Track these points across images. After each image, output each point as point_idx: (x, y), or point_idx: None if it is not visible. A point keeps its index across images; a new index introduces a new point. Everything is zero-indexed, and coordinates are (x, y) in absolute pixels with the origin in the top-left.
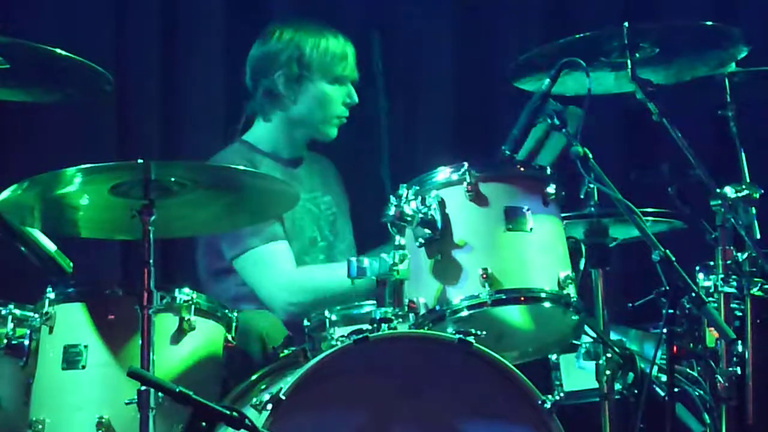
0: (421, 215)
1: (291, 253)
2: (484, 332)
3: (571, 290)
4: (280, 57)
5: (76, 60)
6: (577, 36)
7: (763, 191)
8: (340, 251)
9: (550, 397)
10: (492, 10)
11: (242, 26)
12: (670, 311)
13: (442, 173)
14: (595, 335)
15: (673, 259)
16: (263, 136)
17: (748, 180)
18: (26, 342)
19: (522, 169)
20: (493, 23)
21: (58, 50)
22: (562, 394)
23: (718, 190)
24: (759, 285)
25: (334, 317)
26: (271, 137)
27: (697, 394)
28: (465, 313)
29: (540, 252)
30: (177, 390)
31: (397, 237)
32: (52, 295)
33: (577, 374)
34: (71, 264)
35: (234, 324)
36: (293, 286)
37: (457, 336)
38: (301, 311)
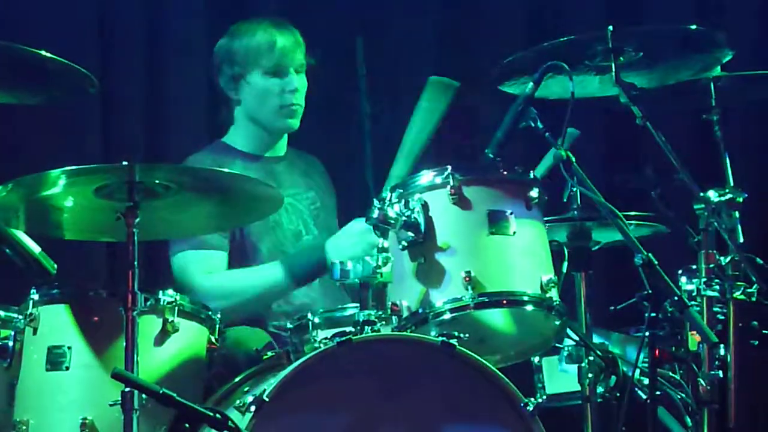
0: (404, 218)
1: (218, 260)
2: (467, 335)
3: (553, 294)
4: (217, 61)
5: (60, 62)
6: (561, 39)
7: (746, 195)
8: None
9: (532, 399)
10: (475, 13)
11: (226, 28)
12: (653, 314)
13: (426, 177)
14: (577, 338)
15: (656, 262)
16: (236, 136)
17: (731, 184)
18: (10, 343)
19: (505, 173)
20: (476, 26)
21: (43, 52)
22: (544, 397)
23: (701, 194)
24: (741, 289)
25: (317, 320)
26: (241, 137)
27: (679, 397)
28: (448, 315)
29: (523, 255)
30: (161, 392)
31: (381, 240)
32: (36, 297)
33: (560, 377)
34: (55, 266)
35: (217, 326)
36: (205, 293)
37: (440, 339)
38: (225, 313)
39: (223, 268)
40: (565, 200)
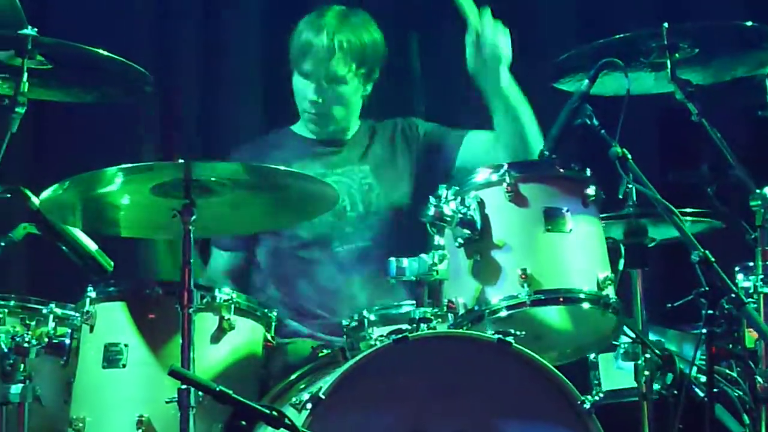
0: (460, 215)
1: None
2: (523, 332)
3: (610, 291)
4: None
5: (117, 60)
6: (617, 36)
7: None
8: (370, 225)
9: (589, 397)
10: (530, 10)
11: (281, 24)
12: (710, 312)
13: (482, 174)
14: (634, 335)
15: (713, 259)
16: (301, 121)
17: None
18: (67, 341)
19: (561, 170)
20: (530, 23)
21: (101, 51)
22: (601, 394)
23: (757, 191)
24: None
25: (372, 317)
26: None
27: (736, 394)
28: (504, 313)
29: (579, 253)
30: (217, 389)
31: (437, 237)
32: (92, 294)
33: (616, 374)
34: (112, 263)
35: (273, 323)
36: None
37: (497, 336)
38: None
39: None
40: (620, 197)
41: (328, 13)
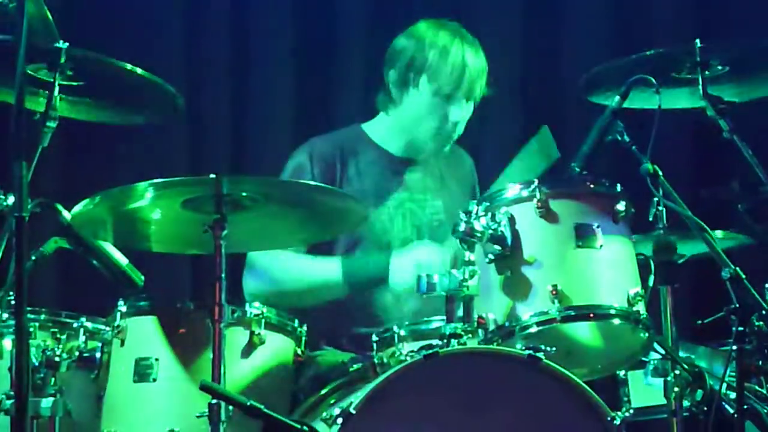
0: (491, 231)
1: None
2: (554, 348)
3: (640, 307)
4: (393, 55)
5: (148, 77)
6: (649, 52)
7: None
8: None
9: (619, 413)
10: (561, 23)
11: (310, 39)
12: (740, 328)
13: (512, 190)
14: (664, 352)
15: (743, 276)
16: (378, 127)
17: None
18: (98, 355)
19: (592, 186)
20: (564, 36)
21: (134, 68)
22: (631, 411)
23: None
24: None
25: (402, 332)
26: (382, 131)
27: (766, 411)
28: (534, 329)
29: (610, 269)
30: (248, 403)
31: (467, 253)
32: (123, 309)
33: (645, 391)
34: (143, 278)
35: (303, 338)
36: (263, 269)
37: (527, 352)
38: (275, 297)
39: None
40: (650, 219)
41: (462, 30)
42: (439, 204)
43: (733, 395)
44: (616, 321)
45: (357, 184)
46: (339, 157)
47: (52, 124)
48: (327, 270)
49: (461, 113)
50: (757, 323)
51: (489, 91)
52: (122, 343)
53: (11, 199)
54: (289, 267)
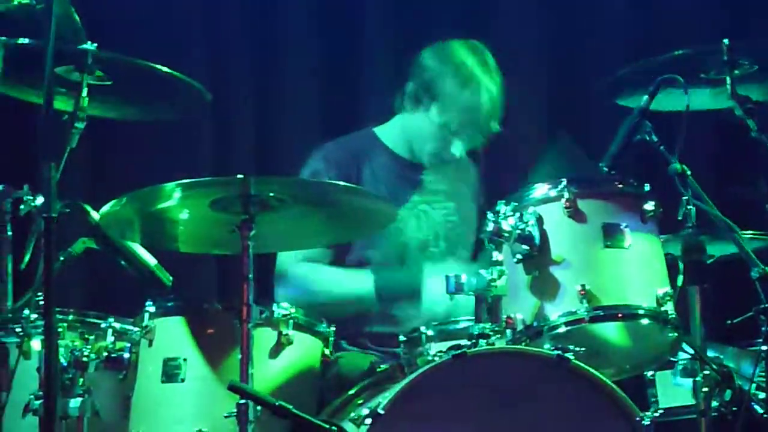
0: (518, 231)
1: (319, 253)
2: (582, 348)
3: (669, 307)
4: (419, 69)
5: (177, 76)
6: (676, 53)
7: None
8: (453, 261)
9: (648, 414)
10: (588, 24)
11: (335, 37)
12: None
13: (540, 189)
14: (692, 352)
15: None
16: (390, 132)
17: None
18: (126, 355)
19: (620, 185)
20: (591, 38)
21: (161, 67)
22: (660, 411)
23: None
24: None
25: (430, 332)
26: (394, 136)
27: None
28: (563, 329)
29: (638, 269)
30: (276, 404)
31: (495, 253)
32: (151, 309)
33: (674, 391)
34: (171, 278)
35: (331, 339)
36: (294, 278)
37: (556, 352)
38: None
39: (323, 262)
40: (680, 219)
41: (486, 56)
42: (452, 205)
43: (762, 395)
44: (645, 321)
45: (372, 187)
46: (354, 161)
47: (81, 125)
48: (359, 283)
49: (463, 148)
50: None
51: (498, 129)
52: (150, 344)
53: (40, 200)
54: (323, 279)
